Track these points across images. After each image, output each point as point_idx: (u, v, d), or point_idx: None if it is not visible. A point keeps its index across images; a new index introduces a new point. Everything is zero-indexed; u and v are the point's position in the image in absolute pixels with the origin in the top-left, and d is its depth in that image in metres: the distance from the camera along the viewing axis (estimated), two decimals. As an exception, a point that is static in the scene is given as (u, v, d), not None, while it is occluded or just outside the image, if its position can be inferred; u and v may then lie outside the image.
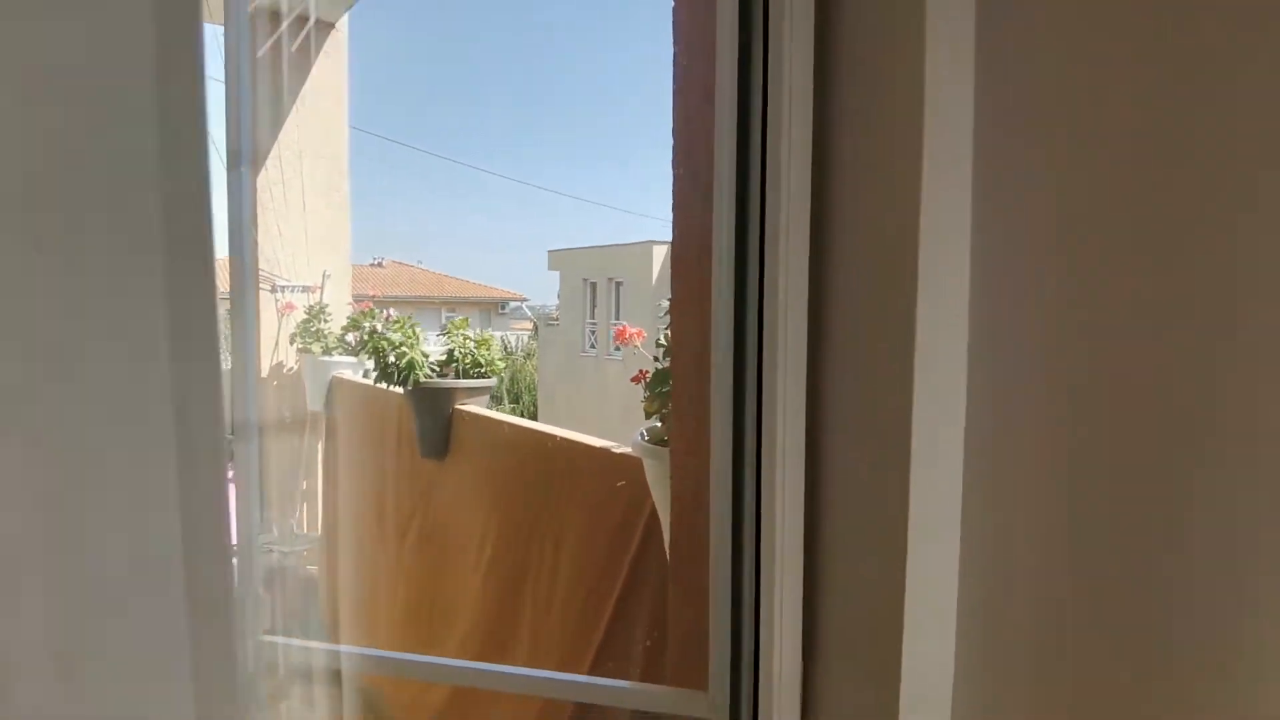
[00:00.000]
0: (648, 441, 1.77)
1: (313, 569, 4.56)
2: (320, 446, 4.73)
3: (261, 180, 4.50)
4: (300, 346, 4.52)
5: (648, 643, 1.97)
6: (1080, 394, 0.83)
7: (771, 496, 1.12)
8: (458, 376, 3.05)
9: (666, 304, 1.82)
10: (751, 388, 1.21)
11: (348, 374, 4.44)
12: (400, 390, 3.06)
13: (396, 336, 3.01)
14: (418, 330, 3.08)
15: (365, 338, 3.08)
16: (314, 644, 1.58)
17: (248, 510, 1.48)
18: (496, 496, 2.69)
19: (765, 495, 1.14)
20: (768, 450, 1.13)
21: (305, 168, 4.55)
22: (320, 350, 4.44)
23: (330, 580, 4.31)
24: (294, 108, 4.53)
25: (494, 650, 2.65)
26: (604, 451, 2.12)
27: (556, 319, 22.93)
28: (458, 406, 3.04)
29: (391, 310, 3.21)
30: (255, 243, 4.00)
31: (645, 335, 1.92)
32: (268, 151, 4.49)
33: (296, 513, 4.78)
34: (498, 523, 2.65)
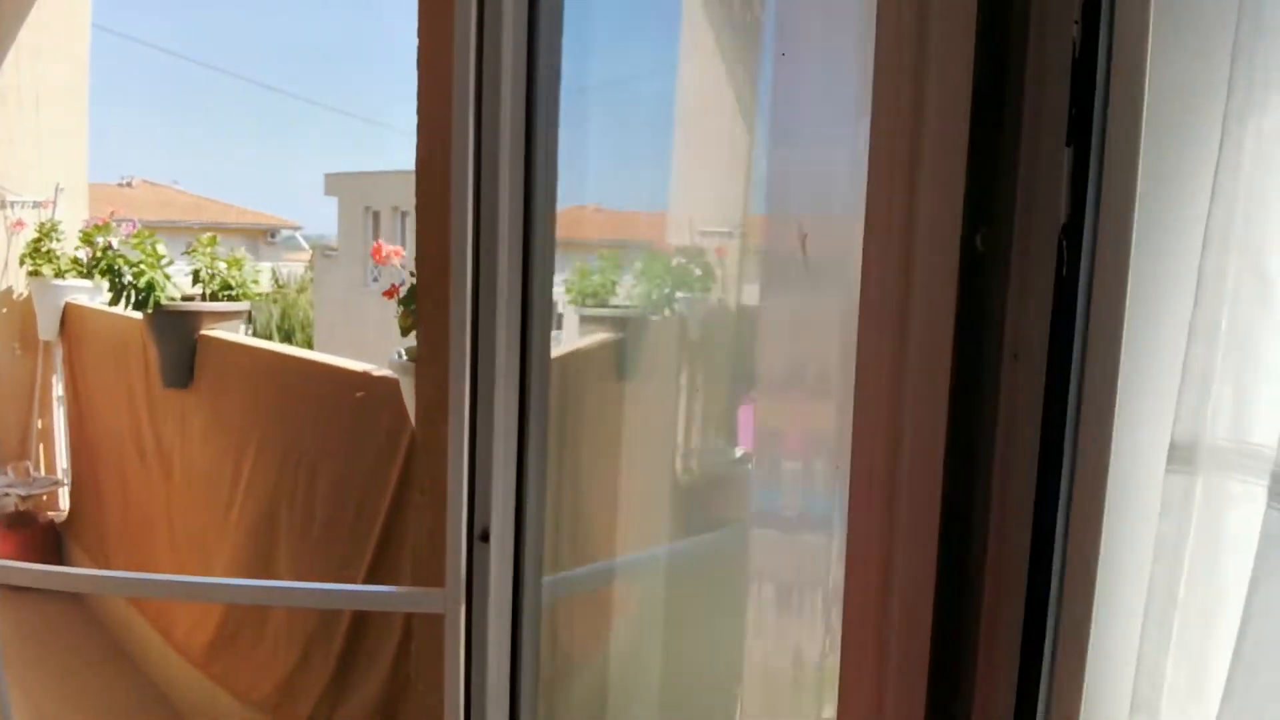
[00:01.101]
0: (406, 360, 1.73)
1: (54, 515, 4.09)
2: (55, 381, 4.21)
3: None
4: (30, 269, 3.96)
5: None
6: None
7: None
8: (205, 299, 2.81)
9: None
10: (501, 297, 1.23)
11: (83, 299, 3.95)
12: (139, 315, 2.77)
13: (134, 254, 2.71)
14: (159, 247, 2.80)
15: (99, 255, 2.74)
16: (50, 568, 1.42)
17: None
18: (248, 425, 2.52)
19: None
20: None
21: (42, 68, 3.93)
22: (52, 273, 3.91)
23: (79, 523, 3.89)
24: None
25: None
26: (362, 375, 2.04)
27: (335, 249, 21.58)
28: (203, 332, 2.80)
29: (134, 221, 2.87)
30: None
31: (404, 253, 1.86)
32: (4, 52, 3.84)
33: (31, 455, 4.25)
34: (250, 453, 2.49)
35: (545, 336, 1.19)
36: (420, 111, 1.38)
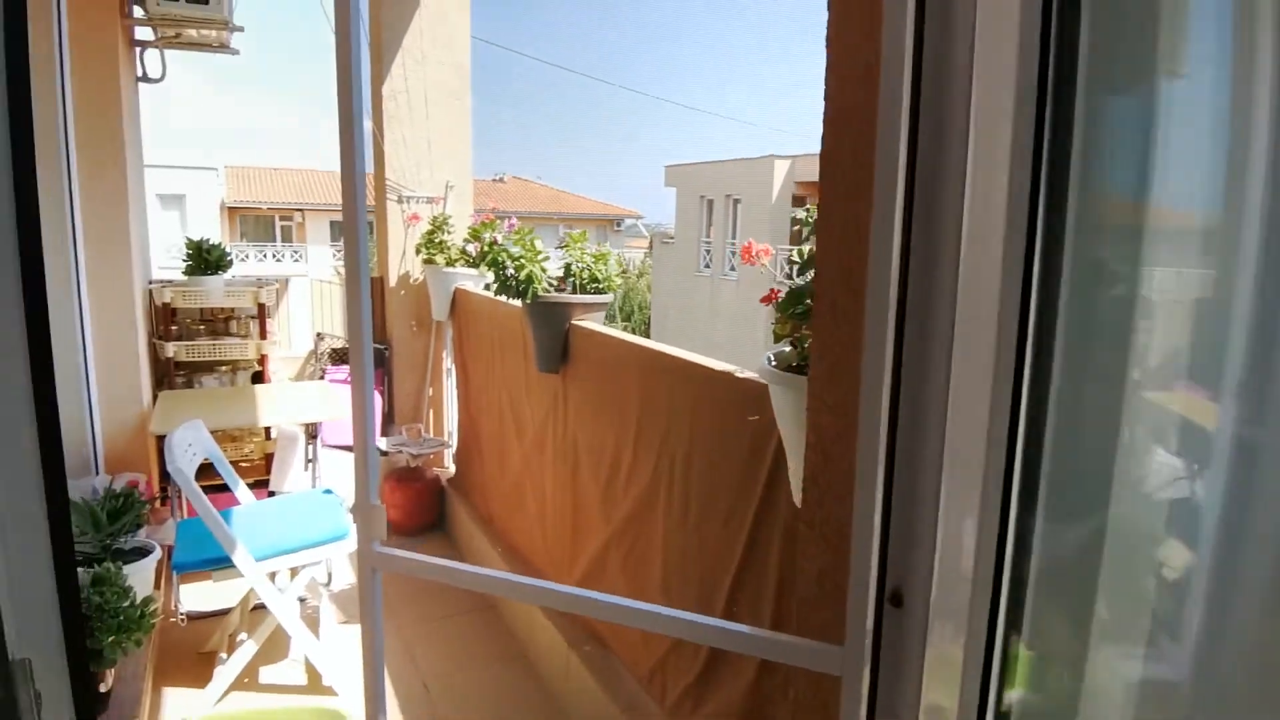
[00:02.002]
0: (776, 367, 1.57)
1: (439, 471, 4.64)
2: (446, 356, 4.75)
3: (386, 89, 4.41)
4: (424, 258, 4.49)
5: (775, 586, 1.82)
6: None
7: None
8: (574, 291, 2.91)
9: (804, 214, 1.59)
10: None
11: (469, 286, 4.39)
12: (519, 304, 2.95)
13: (516, 249, 2.88)
14: (536, 243, 2.94)
15: (485, 249, 2.96)
16: (426, 558, 1.48)
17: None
18: (619, 414, 2.56)
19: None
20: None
21: (428, 74, 4.42)
22: (444, 262, 4.40)
23: (464, 485, 4.37)
24: (415, 11, 4.37)
25: (630, 574, 2.57)
26: (727, 375, 1.93)
27: (672, 237, 22.69)
28: (574, 322, 2.90)
29: (514, 219, 3.06)
30: (383, 152, 3.93)
31: (772, 252, 1.70)
32: (392, 59, 4.38)
33: (423, 418, 4.85)
34: (623, 440, 2.52)
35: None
36: (828, 95, 1.19)
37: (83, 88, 3.70)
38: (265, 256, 28.68)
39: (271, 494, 4.25)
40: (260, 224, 30.44)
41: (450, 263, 4.41)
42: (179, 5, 3.67)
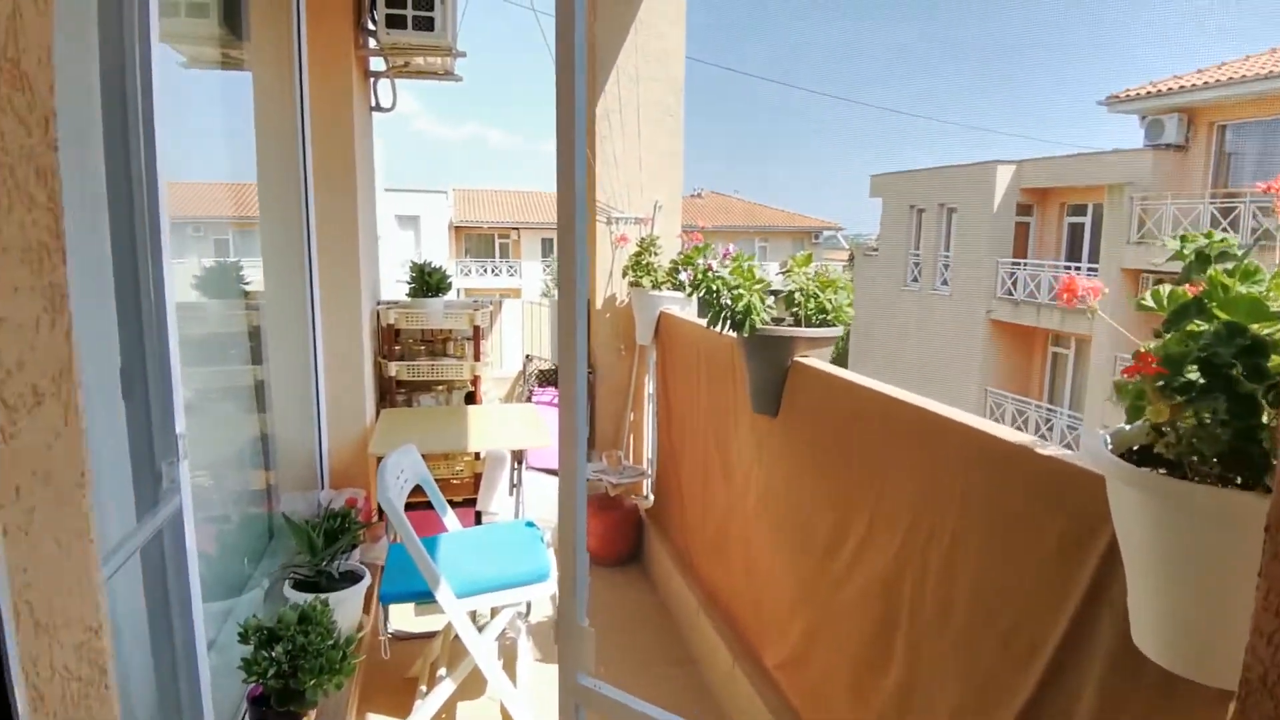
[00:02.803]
0: (1124, 456, 1.10)
1: (638, 500, 4.42)
2: (648, 380, 4.53)
3: (600, 108, 4.26)
4: (631, 280, 4.30)
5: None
6: None
7: None
8: (798, 323, 2.53)
9: (1191, 235, 1.12)
10: None
11: (674, 309, 4.13)
12: (732, 334, 2.61)
13: (733, 278, 2.55)
14: (756, 270, 2.60)
15: (699, 276, 2.65)
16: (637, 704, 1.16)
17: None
18: (850, 473, 2.15)
19: None
20: None
21: (641, 92, 4.22)
22: (650, 284, 4.18)
23: (662, 519, 4.12)
24: (631, 28, 4.19)
25: (852, 679, 2.12)
26: (1021, 450, 1.47)
27: (876, 249, 21.54)
28: (797, 359, 2.53)
29: (731, 246, 2.73)
30: (594, 172, 3.75)
31: (1104, 291, 1.23)
32: (606, 78, 4.22)
33: (623, 444, 4.65)
34: (854, 506, 2.11)
35: None
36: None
37: (319, 120, 3.83)
38: (485, 271, 31.38)
39: (478, 514, 4.21)
40: (482, 241, 32.82)
41: (657, 285, 4.18)
42: (406, 34, 3.69)
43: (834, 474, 2.24)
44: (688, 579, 3.48)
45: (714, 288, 2.56)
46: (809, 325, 2.51)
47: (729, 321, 2.54)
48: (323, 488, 3.97)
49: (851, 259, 23.29)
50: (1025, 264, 16.62)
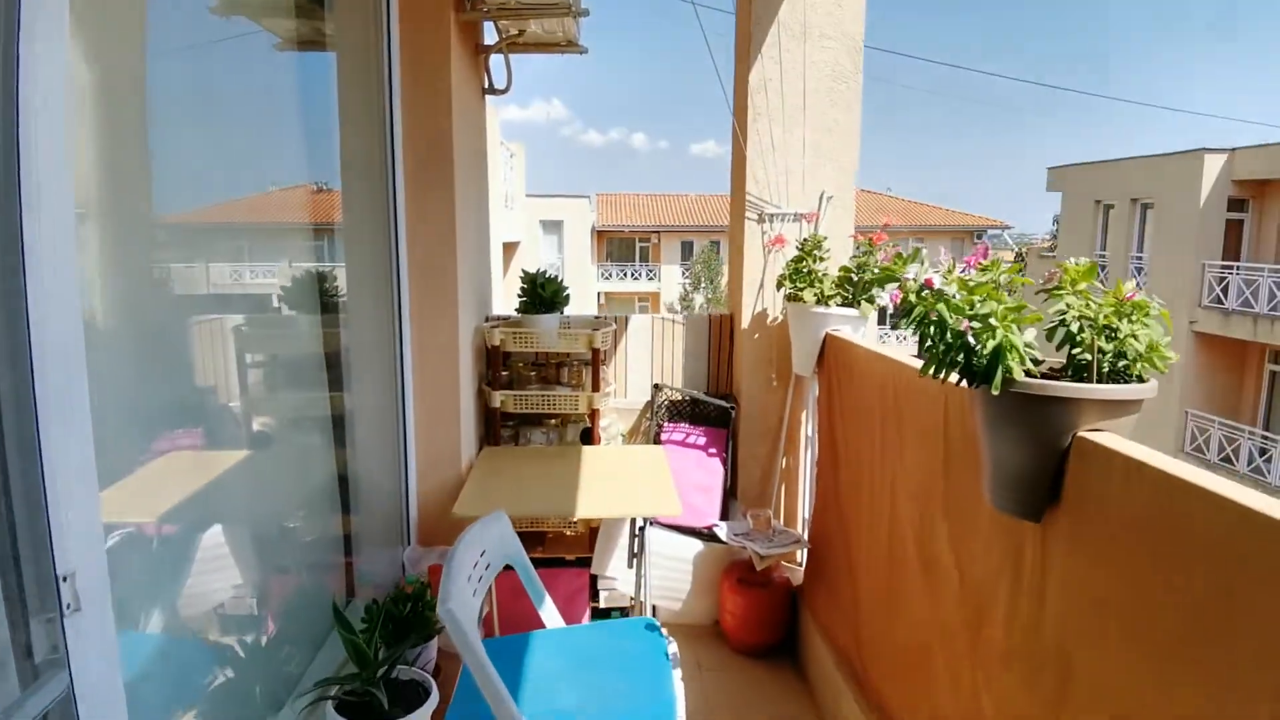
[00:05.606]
0: None
1: (787, 570, 3.47)
2: (806, 419, 3.57)
3: (754, 76, 3.35)
4: (789, 292, 3.35)
5: None
6: None
7: None
8: (1080, 376, 1.54)
9: None
10: None
11: (845, 331, 3.17)
12: (964, 384, 1.64)
13: (961, 297, 1.59)
14: (1006, 293, 1.62)
15: (910, 299, 1.69)
16: None
17: None
18: (1185, 629, 1.15)
19: None
20: None
21: (809, 53, 3.27)
22: (813, 299, 3.22)
23: (819, 605, 3.16)
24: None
25: None
26: None
27: (1051, 250, 19.25)
28: (1082, 433, 1.52)
29: (982, 254, 1.73)
30: (744, 157, 2.85)
31: None
32: (763, 38, 3.30)
33: (772, 498, 3.72)
34: (1194, 686, 1.11)
35: None
36: None
37: (412, 100, 3.14)
38: (625, 275, 31.50)
39: (593, 579, 3.41)
40: (623, 245, 32.79)
41: (823, 299, 3.23)
42: (511, -14, 2.93)
43: (1150, 623, 1.23)
44: (863, 701, 2.51)
45: (941, 319, 1.60)
46: (1101, 379, 1.51)
47: (965, 369, 1.58)
48: (408, 543, 3.28)
49: (1019, 260, 21.08)
50: (1239, 268, 14.23)
